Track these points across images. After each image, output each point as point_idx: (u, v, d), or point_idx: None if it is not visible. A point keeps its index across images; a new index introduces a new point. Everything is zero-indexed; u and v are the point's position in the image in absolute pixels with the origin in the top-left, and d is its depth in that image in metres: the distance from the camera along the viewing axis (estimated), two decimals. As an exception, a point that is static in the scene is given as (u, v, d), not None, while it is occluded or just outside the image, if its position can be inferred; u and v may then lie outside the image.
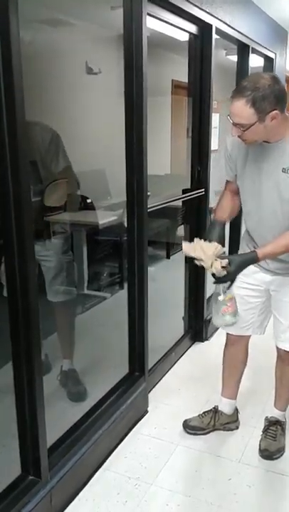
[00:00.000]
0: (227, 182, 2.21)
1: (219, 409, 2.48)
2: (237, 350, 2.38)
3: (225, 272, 1.90)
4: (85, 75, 3.39)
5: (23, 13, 1.47)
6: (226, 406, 2.48)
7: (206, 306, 3.33)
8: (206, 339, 3.42)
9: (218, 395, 2.50)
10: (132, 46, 2.17)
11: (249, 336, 2.36)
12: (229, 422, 2.48)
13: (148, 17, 2.20)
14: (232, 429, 2.48)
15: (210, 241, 1.97)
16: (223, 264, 1.88)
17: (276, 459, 2.28)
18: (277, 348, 2.26)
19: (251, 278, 2.16)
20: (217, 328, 3.24)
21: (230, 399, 2.47)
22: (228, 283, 1.99)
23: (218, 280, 1.94)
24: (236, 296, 2.05)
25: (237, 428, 2.50)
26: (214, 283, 1.97)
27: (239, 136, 1.85)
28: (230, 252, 2.21)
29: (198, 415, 2.50)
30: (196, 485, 2.14)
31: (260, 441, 2.35)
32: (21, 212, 1.57)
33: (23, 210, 1.57)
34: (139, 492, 2.08)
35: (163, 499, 2.05)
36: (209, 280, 2.41)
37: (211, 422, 2.46)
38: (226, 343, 2.41)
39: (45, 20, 2.83)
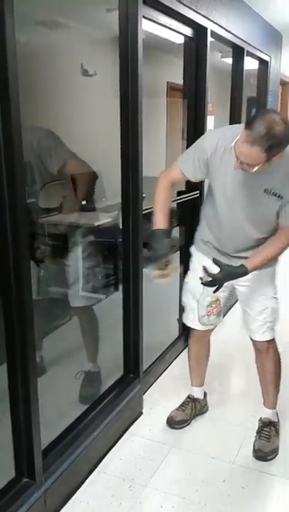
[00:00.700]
0: (178, 172, 2.14)
1: (195, 397, 2.60)
2: (203, 343, 2.48)
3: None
4: (81, 77, 3.39)
5: (19, 14, 1.47)
6: (199, 393, 2.62)
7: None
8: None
9: (212, 395, 2.50)
10: (128, 48, 2.17)
11: (212, 330, 2.44)
12: (203, 406, 2.64)
13: (143, 19, 2.20)
14: (204, 412, 2.63)
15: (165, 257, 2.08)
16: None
17: (270, 460, 2.28)
18: (253, 341, 2.33)
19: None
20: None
21: (200, 386, 2.62)
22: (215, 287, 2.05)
23: (206, 284, 2.02)
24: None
25: (208, 409, 2.65)
26: (202, 284, 2.05)
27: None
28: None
29: (179, 409, 2.57)
30: (190, 486, 2.14)
31: (254, 442, 2.36)
32: (16, 214, 1.57)
33: (18, 212, 1.57)
34: (134, 494, 2.08)
35: (157, 501, 2.06)
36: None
37: (193, 412, 2.57)
38: (192, 339, 2.52)
39: (40, 22, 2.82)
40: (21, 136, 1.53)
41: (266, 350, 2.31)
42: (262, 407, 2.45)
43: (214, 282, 2.01)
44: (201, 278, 2.04)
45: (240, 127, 1.84)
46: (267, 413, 2.43)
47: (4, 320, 1.68)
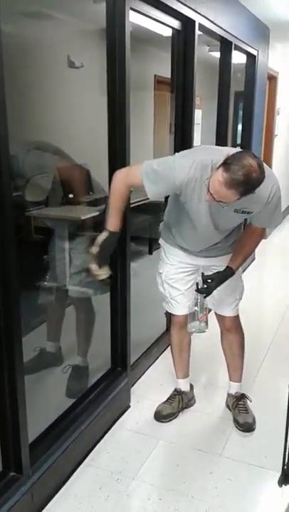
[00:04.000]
0: (139, 182, 2.05)
1: (182, 390, 2.62)
2: (185, 331, 2.49)
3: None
4: (67, 69, 3.36)
5: (3, 5, 1.44)
6: (185, 385, 2.64)
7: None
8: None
9: (199, 389, 2.52)
10: (115, 40, 2.16)
11: None
12: (190, 399, 2.66)
13: (131, 11, 2.19)
14: (192, 405, 2.65)
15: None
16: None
17: (254, 429, 2.44)
18: (222, 319, 2.47)
19: (184, 263, 2.37)
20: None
21: (186, 378, 2.64)
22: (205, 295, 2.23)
23: (199, 291, 2.20)
24: (179, 279, 2.37)
25: (195, 402, 2.67)
26: (197, 291, 2.22)
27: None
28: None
29: (166, 402, 2.59)
30: (177, 479, 2.15)
31: (236, 417, 2.49)
32: (3, 208, 1.55)
33: (4, 206, 1.55)
34: (121, 487, 2.09)
35: (145, 493, 2.07)
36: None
37: (180, 405, 2.59)
38: (174, 328, 2.54)
39: (26, 13, 2.79)
40: (7, 129, 1.51)
41: (235, 326, 2.49)
42: (230, 384, 2.61)
43: (208, 289, 2.20)
44: (197, 284, 2.23)
45: (212, 154, 1.95)
46: (236, 387, 2.59)
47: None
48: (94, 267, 2.14)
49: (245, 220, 2.24)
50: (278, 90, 6.03)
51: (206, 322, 2.29)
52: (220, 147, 2.31)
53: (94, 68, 3.19)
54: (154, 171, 2.01)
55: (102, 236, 2.12)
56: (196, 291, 2.23)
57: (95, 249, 2.13)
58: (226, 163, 1.79)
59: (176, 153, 2.07)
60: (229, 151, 1.91)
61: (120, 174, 2.12)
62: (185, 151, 2.11)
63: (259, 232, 2.24)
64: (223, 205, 1.91)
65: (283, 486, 1.99)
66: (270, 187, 1.99)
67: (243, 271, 2.78)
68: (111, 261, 2.45)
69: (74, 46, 3.40)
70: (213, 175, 1.85)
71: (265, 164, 2.00)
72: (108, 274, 2.21)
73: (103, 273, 2.18)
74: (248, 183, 1.78)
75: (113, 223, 2.13)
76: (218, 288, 2.25)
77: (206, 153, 2.02)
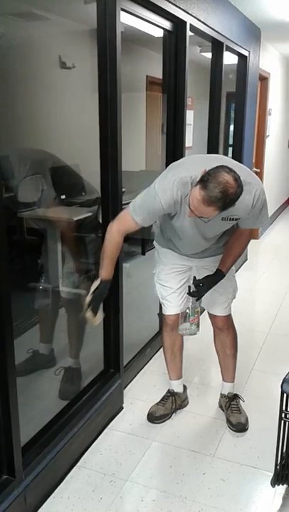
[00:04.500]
0: (134, 225, 2.08)
1: (175, 391, 2.62)
2: (177, 332, 2.50)
3: None
4: (59, 70, 3.35)
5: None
6: (179, 386, 2.64)
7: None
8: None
9: (192, 389, 2.52)
10: (106, 41, 2.15)
11: None
12: (184, 400, 2.66)
13: (122, 12, 2.18)
14: (185, 406, 2.65)
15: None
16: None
17: (247, 429, 2.45)
18: (215, 319, 2.48)
19: (177, 264, 2.39)
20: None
21: (179, 379, 2.65)
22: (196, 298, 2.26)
23: (191, 294, 2.24)
24: (171, 278, 2.39)
25: (188, 403, 2.67)
26: (189, 294, 2.26)
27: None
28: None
29: (159, 404, 2.59)
30: (170, 480, 2.15)
31: (229, 418, 2.50)
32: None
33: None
34: (114, 488, 2.08)
35: (138, 495, 2.06)
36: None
37: (173, 406, 2.59)
38: (166, 330, 2.54)
39: (17, 13, 2.78)
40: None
41: (227, 326, 2.50)
42: (223, 384, 2.61)
43: (200, 293, 2.23)
44: (189, 288, 2.26)
45: (189, 169, 1.97)
46: (229, 387, 2.60)
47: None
48: (89, 314, 2.15)
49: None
50: (270, 91, 6.06)
51: (198, 325, 2.31)
52: (197, 157, 2.29)
53: (86, 69, 3.18)
54: (140, 206, 2.05)
55: (95, 285, 2.15)
56: (187, 294, 2.27)
57: (88, 299, 2.15)
58: (203, 181, 1.82)
59: (156, 179, 2.06)
60: (207, 163, 1.90)
61: (114, 225, 2.13)
62: (164, 172, 2.09)
63: (247, 234, 2.26)
64: (205, 219, 1.95)
65: (276, 486, 2.01)
66: (254, 192, 2.00)
67: (236, 271, 2.78)
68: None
69: (65, 47, 3.39)
70: (191, 192, 1.88)
71: (247, 169, 2.05)
72: (102, 317, 2.25)
73: (98, 319, 2.20)
74: (225, 199, 1.81)
75: (106, 273, 2.15)
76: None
77: (184, 170, 2.02)
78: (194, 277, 2.29)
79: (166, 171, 2.08)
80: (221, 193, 1.79)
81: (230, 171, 1.83)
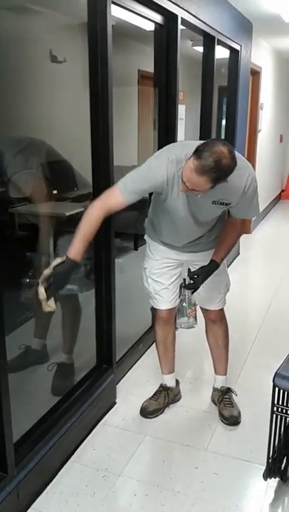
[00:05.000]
0: (119, 201, 2.02)
1: (168, 386, 2.62)
2: (169, 326, 2.52)
3: None
4: (50, 63, 3.32)
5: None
6: (171, 381, 2.64)
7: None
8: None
9: (185, 384, 2.52)
10: (97, 35, 2.13)
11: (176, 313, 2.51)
12: (176, 394, 2.66)
13: (113, 5, 2.17)
14: (178, 400, 2.65)
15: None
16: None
17: (240, 422, 2.46)
18: (208, 313, 2.49)
19: (168, 258, 2.38)
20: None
21: (171, 373, 2.64)
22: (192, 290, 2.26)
23: (187, 286, 2.23)
24: (163, 274, 2.39)
25: (181, 397, 2.67)
26: (185, 287, 2.25)
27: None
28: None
29: (152, 398, 2.59)
30: (163, 474, 2.16)
31: (222, 411, 2.51)
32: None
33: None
34: (108, 483, 2.09)
35: (131, 489, 2.07)
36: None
37: (166, 400, 2.59)
38: (158, 324, 2.54)
39: (8, 6, 2.75)
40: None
41: (220, 317, 2.51)
42: (215, 378, 2.62)
43: (196, 285, 2.22)
44: (184, 280, 2.25)
45: (185, 147, 1.95)
46: (222, 381, 2.61)
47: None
48: (41, 290, 1.93)
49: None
50: (261, 85, 6.05)
51: (195, 317, 2.31)
52: (194, 141, 2.30)
53: (77, 63, 3.16)
54: (132, 180, 2.02)
55: (58, 260, 1.98)
56: (183, 287, 2.26)
57: (47, 272, 1.96)
58: (197, 151, 1.82)
59: (150, 157, 2.06)
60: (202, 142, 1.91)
61: (97, 201, 2.06)
62: (158, 151, 2.10)
63: (239, 225, 2.27)
64: (197, 193, 1.92)
65: (268, 479, 2.02)
66: (246, 178, 2.01)
67: (228, 265, 2.79)
68: (95, 257, 2.45)
69: (56, 41, 3.36)
70: (186, 164, 1.87)
71: (240, 155, 2.02)
72: (53, 309, 1.99)
73: (49, 306, 1.96)
74: (219, 169, 1.79)
75: (74, 250, 1.98)
76: (203, 284, 2.26)
77: (179, 149, 2.04)
78: (189, 269, 2.28)
79: (160, 150, 2.09)
80: (215, 163, 1.77)
81: (225, 144, 1.84)
